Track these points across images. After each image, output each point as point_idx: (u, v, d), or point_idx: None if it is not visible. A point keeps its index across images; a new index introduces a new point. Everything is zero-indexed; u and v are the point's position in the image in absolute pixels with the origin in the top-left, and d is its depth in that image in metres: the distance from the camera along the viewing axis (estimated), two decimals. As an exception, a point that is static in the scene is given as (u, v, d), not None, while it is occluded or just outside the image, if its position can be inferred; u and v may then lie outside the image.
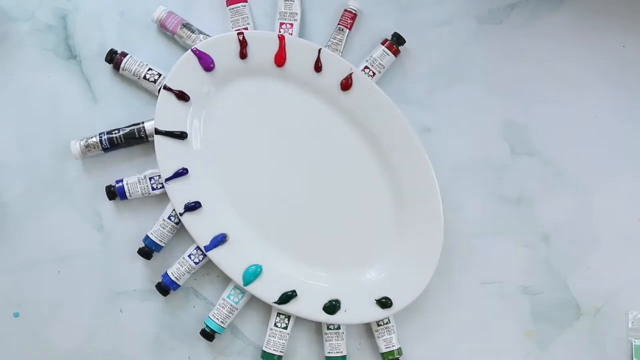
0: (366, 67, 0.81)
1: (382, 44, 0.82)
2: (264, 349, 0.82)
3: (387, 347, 0.82)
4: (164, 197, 0.82)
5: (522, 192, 0.84)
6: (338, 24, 0.82)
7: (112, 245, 0.84)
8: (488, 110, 0.84)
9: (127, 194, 0.82)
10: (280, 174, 0.82)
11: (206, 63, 0.80)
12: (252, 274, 0.81)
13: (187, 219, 0.81)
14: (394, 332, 0.82)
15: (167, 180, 0.81)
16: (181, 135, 0.81)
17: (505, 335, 0.84)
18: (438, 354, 0.84)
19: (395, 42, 0.82)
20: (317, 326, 0.83)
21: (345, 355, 0.82)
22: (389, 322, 0.82)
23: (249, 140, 0.82)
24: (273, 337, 0.81)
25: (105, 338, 0.85)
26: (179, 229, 0.83)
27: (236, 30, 0.81)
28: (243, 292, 0.82)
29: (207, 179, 0.82)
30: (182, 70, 0.80)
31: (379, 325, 0.82)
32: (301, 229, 0.82)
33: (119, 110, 0.84)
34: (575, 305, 0.83)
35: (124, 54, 0.82)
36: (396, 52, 0.82)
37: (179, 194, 0.81)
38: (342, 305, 0.81)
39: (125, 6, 0.84)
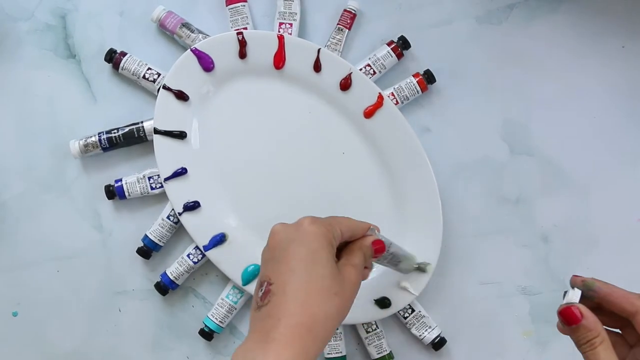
0: (368, 65, 0.81)
1: (388, 45, 0.82)
2: (263, 348, 0.82)
3: (379, 353, 0.82)
4: (163, 197, 0.83)
5: (521, 192, 0.84)
6: (337, 24, 0.82)
7: (111, 244, 0.85)
8: (488, 110, 0.84)
9: (126, 194, 0.82)
10: (280, 173, 0.82)
11: (206, 63, 0.80)
12: (251, 274, 0.81)
13: (186, 219, 0.81)
14: (383, 337, 0.82)
15: (166, 179, 0.81)
16: (180, 135, 0.81)
17: (504, 336, 0.84)
18: (437, 354, 0.84)
19: (401, 46, 0.82)
20: (316, 326, 0.83)
21: (345, 355, 0.82)
22: (377, 327, 0.82)
23: (248, 140, 0.82)
24: (272, 336, 0.81)
25: (104, 337, 0.85)
26: (178, 228, 0.83)
27: (235, 30, 0.81)
28: (242, 291, 0.82)
29: (207, 178, 0.82)
30: (182, 70, 0.80)
31: (367, 332, 0.82)
32: (300, 229, 0.82)
33: (118, 109, 0.84)
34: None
35: (123, 54, 0.82)
36: (400, 55, 0.82)
37: (178, 193, 0.81)
38: (341, 305, 0.81)
39: (125, 6, 0.84)
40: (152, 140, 0.81)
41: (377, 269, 0.82)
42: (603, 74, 0.84)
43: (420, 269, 0.79)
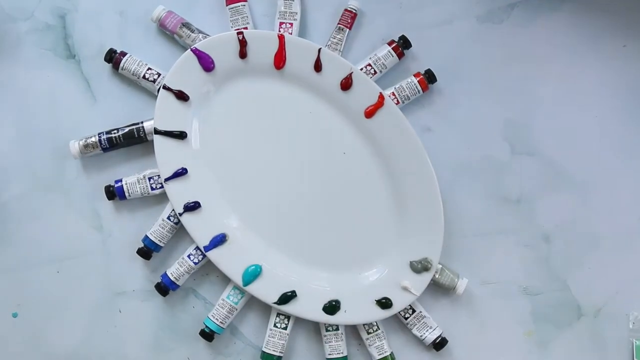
0: (369, 65, 0.81)
1: (389, 44, 0.82)
2: (264, 349, 0.82)
3: (380, 354, 0.82)
4: (163, 197, 0.82)
5: (522, 192, 0.84)
6: (338, 24, 0.82)
7: (111, 245, 0.84)
8: (488, 110, 0.84)
9: (126, 194, 0.82)
10: (280, 173, 0.82)
11: (206, 63, 0.80)
12: (252, 274, 0.81)
13: (187, 219, 0.81)
14: (384, 338, 0.82)
15: (166, 180, 0.81)
16: (180, 135, 0.81)
17: (505, 336, 0.84)
18: (438, 354, 0.83)
19: (402, 45, 0.81)
20: (317, 326, 0.83)
21: (346, 356, 0.82)
22: (378, 328, 0.82)
23: (248, 140, 0.82)
24: (273, 337, 0.81)
25: (104, 338, 0.85)
26: (179, 229, 0.82)
27: (236, 29, 0.81)
28: (242, 292, 0.82)
29: (207, 178, 0.82)
30: (182, 70, 0.80)
31: (369, 333, 0.82)
32: (301, 229, 0.82)
33: (118, 109, 0.84)
34: (576, 305, 0.83)
35: (123, 54, 0.82)
36: (400, 55, 0.82)
37: (179, 194, 0.81)
38: (342, 306, 0.81)
39: (125, 5, 0.84)
40: (152, 141, 0.81)
41: (379, 270, 0.82)
42: (604, 73, 0.83)
43: (424, 267, 0.80)
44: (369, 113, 0.80)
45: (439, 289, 0.83)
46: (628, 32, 0.83)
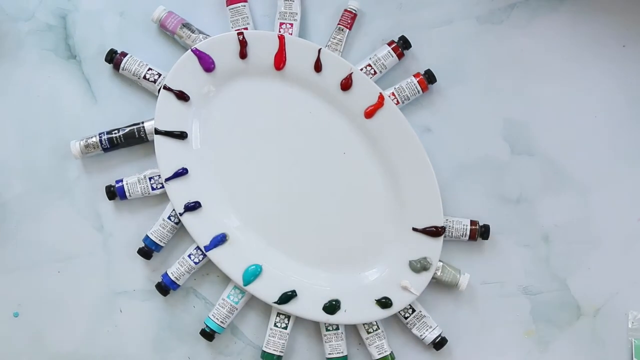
0: (369, 65, 0.81)
1: (389, 44, 0.82)
2: (264, 348, 0.82)
3: (379, 354, 0.82)
4: (163, 197, 0.83)
5: (522, 192, 0.84)
6: (338, 24, 0.82)
7: (112, 245, 0.85)
8: (488, 110, 0.84)
9: (127, 194, 0.82)
10: (280, 173, 0.82)
11: (206, 63, 0.80)
12: (252, 274, 0.81)
13: (187, 219, 0.81)
14: (384, 338, 0.82)
15: (167, 180, 0.81)
16: (181, 135, 0.81)
17: (505, 335, 0.84)
18: (438, 354, 0.84)
19: (402, 46, 0.82)
20: (317, 326, 0.83)
21: (346, 356, 0.82)
22: (378, 328, 0.82)
23: (248, 140, 0.82)
24: (273, 337, 0.81)
25: (105, 338, 0.85)
26: (179, 229, 0.83)
27: (236, 30, 0.81)
28: (243, 292, 0.82)
29: (207, 178, 0.82)
30: (182, 70, 0.80)
31: (368, 332, 0.82)
32: (301, 229, 0.82)
33: (119, 110, 0.84)
34: (575, 305, 0.83)
35: (124, 54, 0.82)
36: (400, 55, 0.82)
37: (179, 193, 0.81)
38: (342, 305, 0.81)
39: (125, 6, 0.84)
40: (152, 141, 0.81)
41: (378, 269, 0.82)
42: (604, 74, 0.83)
43: (423, 267, 0.80)
44: (369, 113, 0.80)
45: (440, 287, 0.83)
46: (627, 32, 0.83)
